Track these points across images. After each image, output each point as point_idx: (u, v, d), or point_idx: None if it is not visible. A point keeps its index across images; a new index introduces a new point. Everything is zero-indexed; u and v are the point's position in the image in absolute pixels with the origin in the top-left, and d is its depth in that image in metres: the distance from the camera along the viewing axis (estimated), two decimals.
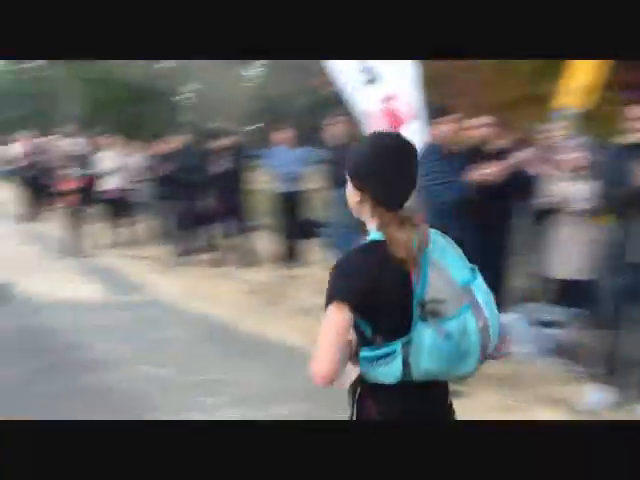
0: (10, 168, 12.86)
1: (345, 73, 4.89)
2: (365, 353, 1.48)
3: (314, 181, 7.25)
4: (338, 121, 6.67)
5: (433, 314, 1.41)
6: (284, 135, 7.12)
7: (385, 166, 1.46)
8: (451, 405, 1.62)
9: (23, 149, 11.33)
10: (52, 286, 6.44)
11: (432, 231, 1.52)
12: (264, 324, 5.20)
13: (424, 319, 1.41)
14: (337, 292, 1.42)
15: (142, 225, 10.15)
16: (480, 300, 1.45)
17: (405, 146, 1.50)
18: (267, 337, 4.90)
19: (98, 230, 8.66)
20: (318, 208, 8.19)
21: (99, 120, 20.44)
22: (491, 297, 1.50)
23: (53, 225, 10.08)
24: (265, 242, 7.71)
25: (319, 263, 6.59)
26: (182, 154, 7.49)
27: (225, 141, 7.20)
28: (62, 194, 7.95)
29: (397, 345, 1.42)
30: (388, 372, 1.45)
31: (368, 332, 1.47)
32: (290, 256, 7.25)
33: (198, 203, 8.00)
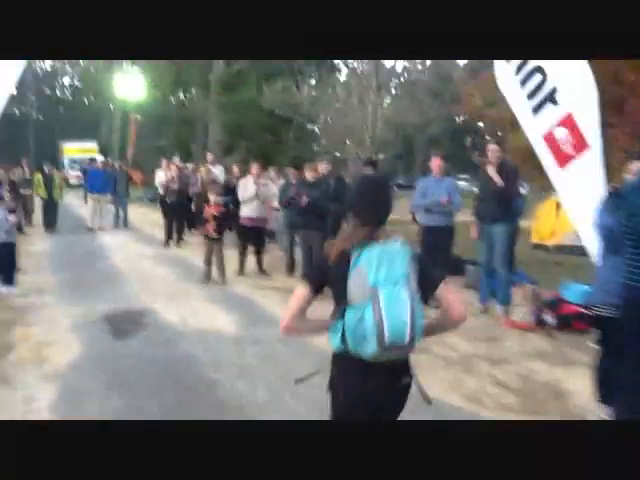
0: (156, 193, 13.65)
1: (515, 98, 4.36)
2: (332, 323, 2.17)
3: (462, 213, 6.68)
4: (492, 150, 6.09)
5: (349, 299, 2.04)
6: (436, 163, 6.65)
7: (359, 199, 2.24)
8: (402, 393, 2.20)
9: (168, 175, 11.86)
10: (189, 314, 6.43)
11: (391, 243, 2.11)
12: None
13: (349, 303, 2.05)
14: (305, 276, 2.30)
15: (279, 254, 10.09)
16: (382, 300, 1.98)
17: (375, 186, 2.29)
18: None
19: (236, 258, 8.66)
20: (464, 243, 7.56)
21: (238, 147, 21.56)
22: (402, 304, 2.00)
23: (194, 251, 10.38)
24: None
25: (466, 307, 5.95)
26: (325, 182, 7.28)
27: (368, 169, 6.88)
28: (204, 221, 8.05)
29: (340, 320, 2.09)
30: (334, 339, 2.14)
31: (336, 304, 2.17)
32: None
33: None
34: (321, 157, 9.27)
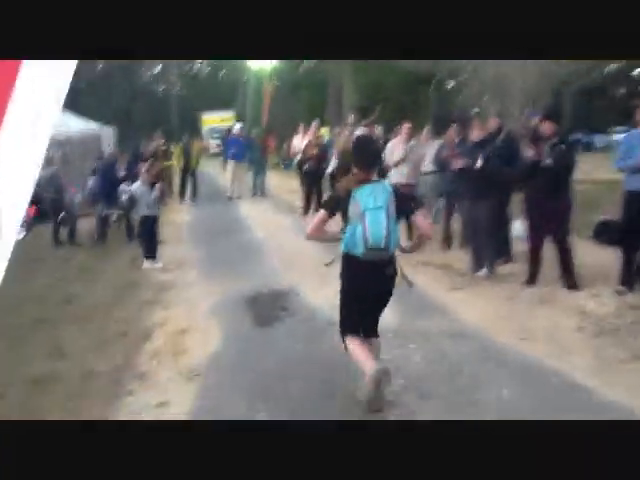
0: (293, 160, 13.05)
1: None
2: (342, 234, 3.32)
3: None
4: None
5: (350, 220, 3.20)
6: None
7: (356, 154, 3.36)
8: (386, 278, 3.32)
9: (304, 141, 11.16)
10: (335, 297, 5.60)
11: (378, 184, 3.25)
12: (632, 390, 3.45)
13: (349, 222, 3.21)
14: (323, 203, 3.63)
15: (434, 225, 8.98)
16: (367, 220, 3.11)
17: (366, 143, 3.59)
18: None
19: None
20: None
21: (372, 109, 20.39)
22: (380, 222, 3.10)
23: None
24: (602, 255, 5.79)
25: None
26: (493, 142, 5.97)
27: (546, 127, 5.44)
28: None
29: (346, 231, 3.26)
30: (342, 245, 3.29)
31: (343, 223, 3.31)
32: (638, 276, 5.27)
33: (505, 202, 6.49)
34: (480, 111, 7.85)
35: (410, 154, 7.33)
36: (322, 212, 3.36)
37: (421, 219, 3.44)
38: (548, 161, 5.24)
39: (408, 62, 18.23)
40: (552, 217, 5.40)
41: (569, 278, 5.45)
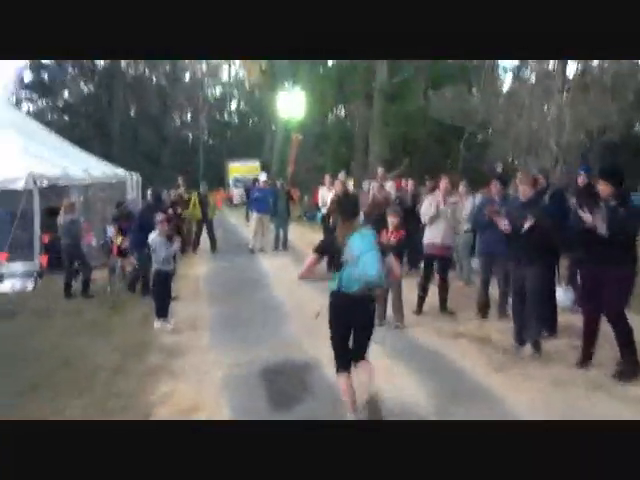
0: (316, 212, 12.62)
1: None
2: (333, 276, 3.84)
3: None
4: None
5: (344, 263, 3.72)
6: None
7: (343, 208, 3.98)
8: (371, 310, 3.95)
9: (330, 194, 10.74)
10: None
11: (364, 230, 3.87)
12: None
13: (344, 264, 3.72)
14: (315, 248, 4.00)
15: (458, 286, 8.39)
16: (366, 260, 3.63)
17: (350, 199, 4.34)
18: None
19: (412, 293, 7.08)
20: None
21: (400, 162, 20.14)
22: (375, 262, 3.66)
23: None
24: None
25: None
26: (535, 202, 5.40)
27: (602, 187, 4.86)
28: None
29: (336, 274, 3.79)
30: (332, 284, 3.83)
31: (330, 266, 3.88)
32: None
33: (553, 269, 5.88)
34: (524, 167, 7.32)
35: (448, 212, 6.78)
36: (314, 256, 3.99)
37: (393, 260, 4.25)
38: (604, 226, 4.62)
39: (439, 113, 17.94)
40: (609, 289, 4.75)
41: (628, 364, 4.74)
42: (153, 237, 6.76)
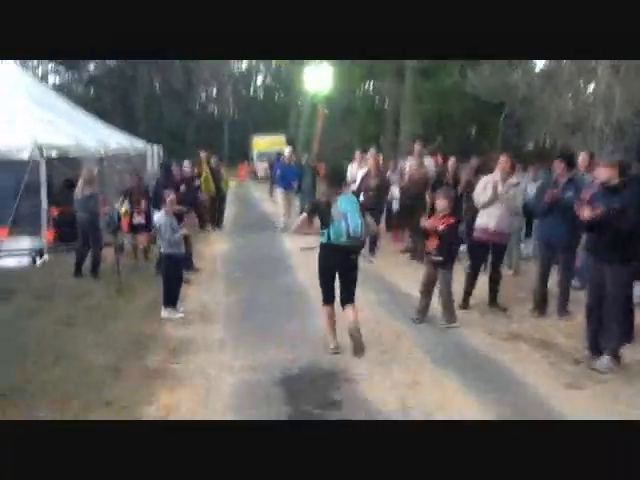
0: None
1: None
2: (321, 231, 4.79)
3: None
4: None
5: (332, 219, 4.63)
6: None
7: (330, 175, 5.04)
8: (353, 260, 4.79)
9: (361, 171, 9.80)
10: (398, 385, 4.09)
11: (349, 194, 4.94)
12: None
13: (332, 221, 4.64)
14: (306, 209, 5.22)
15: (506, 275, 7.43)
16: (349, 218, 4.56)
17: (336, 168, 5.40)
18: None
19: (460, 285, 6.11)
20: None
21: (432, 139, 19.00)
22: (358, 219, 4.59)
23: (397, 265, 8.21)
24: None
25: None
26: (617, 187, 4.36)
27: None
28: (424, 235, 5.70)
29: (325, 228, 4.71)
30: (322, 238, 4.76)
31: (321, 223, 4.79)
32: None
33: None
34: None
35: (509, 194, 5.74)
36: (305, 215, 5.03)
37: (369, 218, 4.97)
38: None
39: (476, 89, 16.71)
40: None
41: None
42: (159, 216, 5.92)
